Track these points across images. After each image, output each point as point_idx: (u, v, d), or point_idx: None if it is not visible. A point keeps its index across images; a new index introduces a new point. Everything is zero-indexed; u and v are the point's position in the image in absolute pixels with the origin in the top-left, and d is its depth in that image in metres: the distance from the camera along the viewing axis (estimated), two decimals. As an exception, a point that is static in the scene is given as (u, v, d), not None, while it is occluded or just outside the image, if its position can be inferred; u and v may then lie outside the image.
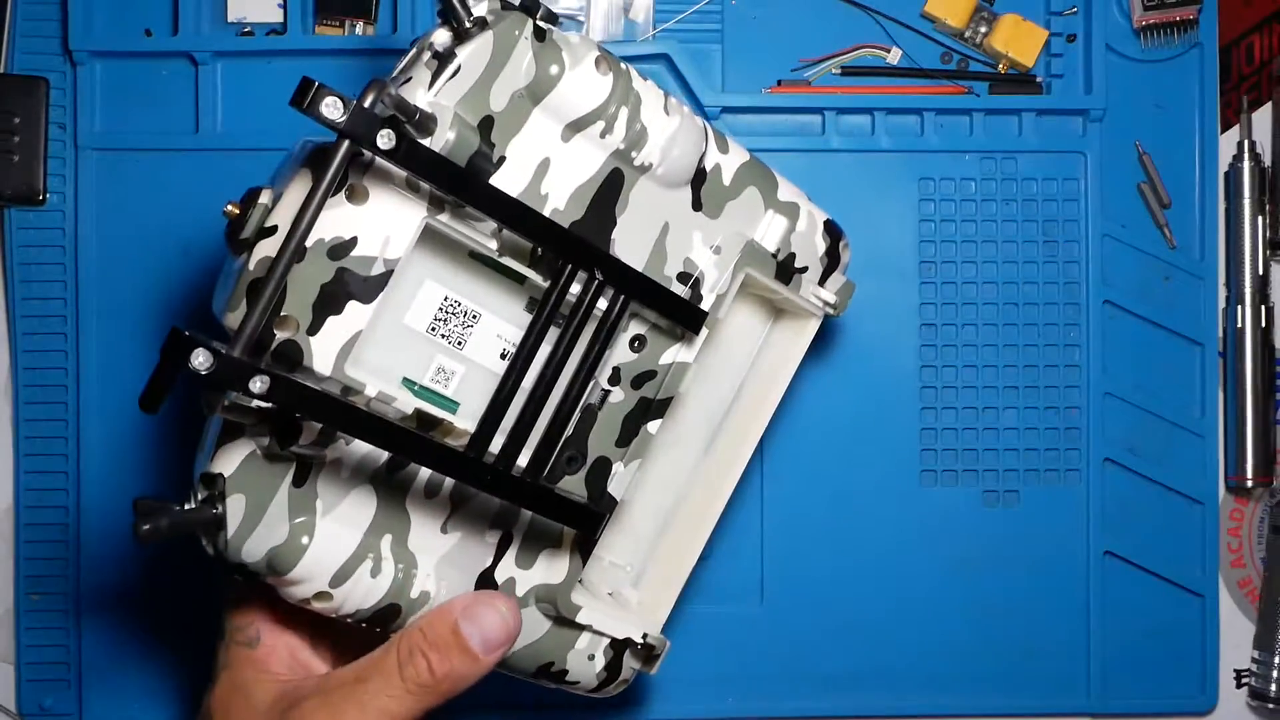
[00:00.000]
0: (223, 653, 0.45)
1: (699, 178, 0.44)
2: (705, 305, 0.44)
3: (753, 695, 0.56)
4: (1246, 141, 0.58)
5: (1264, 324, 0.58)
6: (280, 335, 0.38)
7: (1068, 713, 0.58)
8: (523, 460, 0.42)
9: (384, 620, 0.42)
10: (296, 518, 0.41)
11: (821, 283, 0.47)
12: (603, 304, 0.41)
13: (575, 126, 0.41)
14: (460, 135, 0.38)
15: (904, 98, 0.56)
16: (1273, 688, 0.57)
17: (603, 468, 0.44)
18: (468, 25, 0.39)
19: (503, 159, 0.40)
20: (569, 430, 0.43)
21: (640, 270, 0.42)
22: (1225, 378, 0.58)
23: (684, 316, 0.43)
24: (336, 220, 0.38)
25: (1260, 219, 0.58)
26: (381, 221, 0.38)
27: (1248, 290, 0.58)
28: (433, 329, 0.42)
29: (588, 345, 0.41)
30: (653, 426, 0.45)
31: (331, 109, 0.35)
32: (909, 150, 0.56)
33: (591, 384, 0.43)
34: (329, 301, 0.38)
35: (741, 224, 0.45)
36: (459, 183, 0.37)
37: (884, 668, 0.57)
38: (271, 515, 0.40)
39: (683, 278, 0.44)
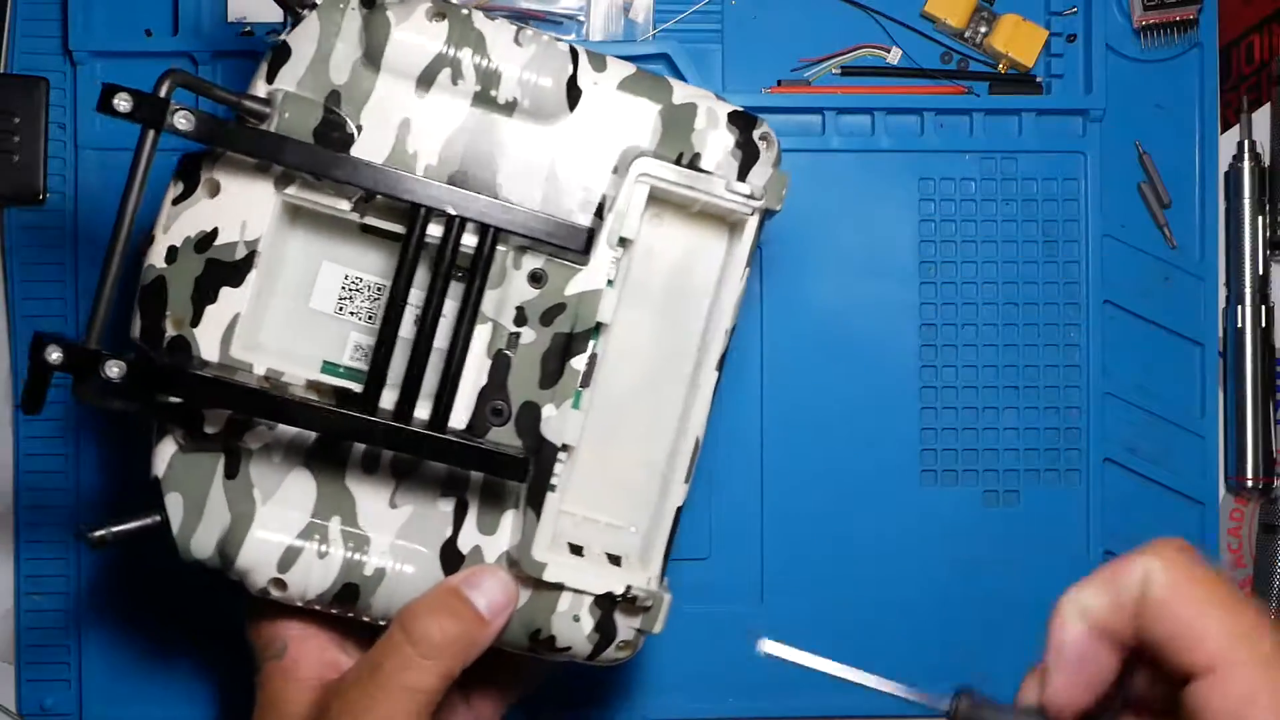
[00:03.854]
0: (257, 676, 0.43)
1: (576, 101, 0.43)
2: (605, 226, 0.42)
3: (753, 695, 0.56)
4: (1246, 141, 0.58)
5: (1264, 324, 0.58)
6: (171, 332, 0.41)
7: (1068, 713, 0.57)
8: (458, 422, 0.42)
9: (346, 602, 0.42)
10: (237, 508, 0.42)
11: (741, 178, 0.44)
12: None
13: (424, 80, 0.42)
14: (295, 113, 0.40)
15: (904, 98, 0.56)
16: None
17: (531, 413, 0.43)
18: (301, 12, 0.41)
19: (360, 128, 0.41)
20: (484, 380, 0.43)
21: (537, 207, 0.42)
22: (1225, 378, 0.58)
23: (565, 237, 0.42)
24: (198, 216, 0.41)
25: (1260, 219, 0.58)
26: (236, 207, 0.41)
27: (1248, 290, 0.58)
28: (340, 308, 0.43)
29: (465, 286, 0.41)
30: (577, 362, 0.43)
31: (122, 103, 0.38)
32: (909, 150, 0.56)
33: (492, 327, 0.43)
34: (203, 292, 0.41)
35: (634, 137, 0.43)
36: (292, 154, 0.40)
37: (884, 668, 0.57)
38: (211, 509, 0.42)
39: (586, 206, 0.43)
